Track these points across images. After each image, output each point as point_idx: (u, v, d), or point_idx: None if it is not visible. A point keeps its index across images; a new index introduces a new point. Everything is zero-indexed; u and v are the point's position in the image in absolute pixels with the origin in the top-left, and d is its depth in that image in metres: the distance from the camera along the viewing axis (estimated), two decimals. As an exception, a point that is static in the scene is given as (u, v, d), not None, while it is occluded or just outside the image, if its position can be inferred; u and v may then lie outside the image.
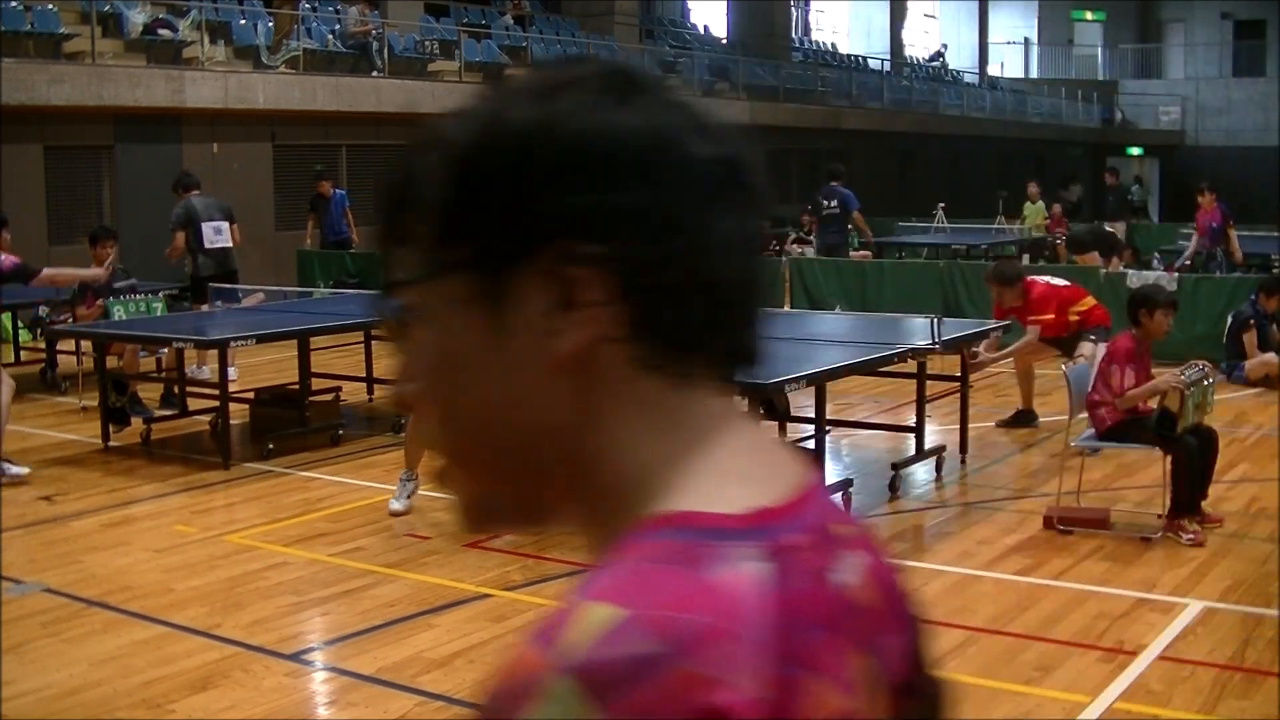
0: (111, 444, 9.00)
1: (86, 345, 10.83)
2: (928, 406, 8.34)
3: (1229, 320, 11.33)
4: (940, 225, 21.79)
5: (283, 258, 17.57)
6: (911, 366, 8.02)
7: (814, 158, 29.72)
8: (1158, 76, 45.33)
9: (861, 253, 17.13)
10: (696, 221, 0.82)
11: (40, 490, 7.90)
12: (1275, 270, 14.98)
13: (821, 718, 0.75)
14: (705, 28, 33.36)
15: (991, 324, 9.20)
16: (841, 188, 16.47)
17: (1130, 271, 13.01)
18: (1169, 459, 6.64)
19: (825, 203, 16.82)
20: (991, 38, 45.40)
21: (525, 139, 0.81)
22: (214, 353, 9.31)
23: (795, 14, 37.47)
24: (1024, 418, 9.59)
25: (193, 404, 9.78)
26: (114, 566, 6.36)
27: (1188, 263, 15.97)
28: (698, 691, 0.69)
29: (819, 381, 7.04)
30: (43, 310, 12.10)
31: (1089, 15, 46.59)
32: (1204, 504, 6.73)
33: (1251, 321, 11.07)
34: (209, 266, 11.43)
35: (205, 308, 11.36)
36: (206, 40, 17.60)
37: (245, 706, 4.68)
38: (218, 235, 11.60)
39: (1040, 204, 20.99)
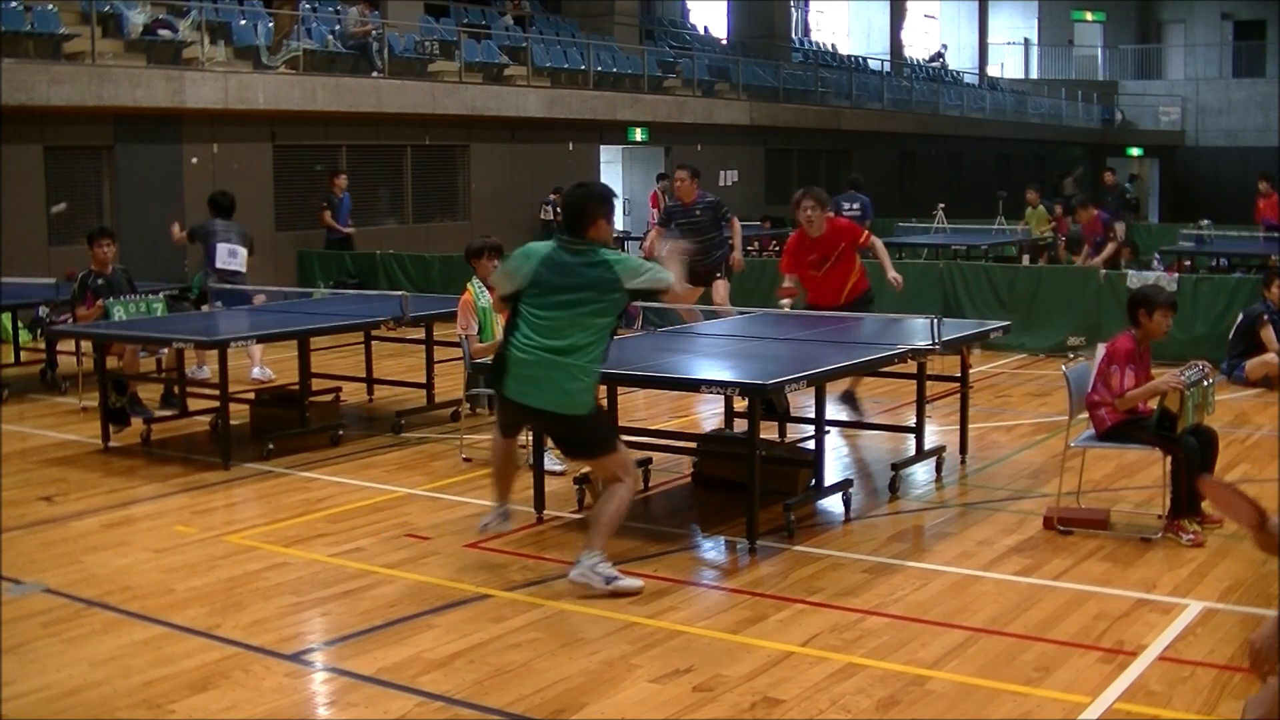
0: (111, 444, 9.00)
1: (86, 345, 10.84)
2: (928, 406, 8.34)
3: (1239, 318, 11.22)
4: (940, 225, 21.80)
5: (283, 258, 17.59)
6: (911, 367, 8.02)
7: (814, 158, 29.76)
8: (1158, 77, 45.37)
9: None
10: None
11: (40, 490, 7.91)
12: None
13: None
14: (705, 28, 33.38)
15: (991, 324, 9.20)
16: (864, 196, 17.39)
17: (1130, 271, 13.02)
18: (1169, 459, 6.64)
19: (847, 205, 17.56)
20: (991, 38, 45.43)
21: None
22: (213, 353, 9.32)
23: (795, 14, 37.50)
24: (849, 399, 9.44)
25: (193, 404, 9.78)
26: (114, 566, 6.36)
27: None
28: None
29: (819, 381, 7.04)
30: (43, 310, 12.10)
31: (1089, 16, 46.61)
32: (1204, 504, 6.73)
33: (1266, 317, 10.99)
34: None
35: (205, 308, 11.37)
36: (206, 40, 17.60)
37: (245, 706, 4.68)
38: (231, 258, 11.68)
39: (1041, 209, 21.00)
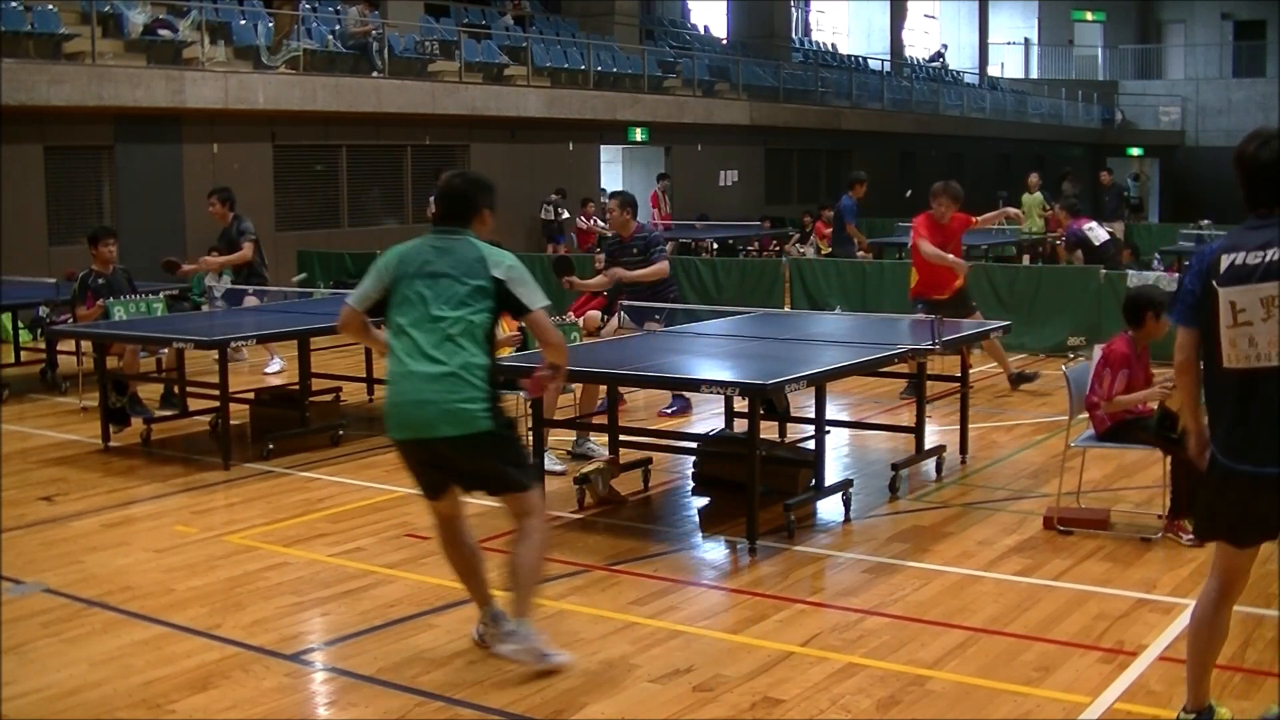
0: (111, 444, 9.00)
1: (86, 345, 10.83)
2: (928, 406, 8.34)
3: None
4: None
5: (283, 258, 17.58)
6: (912, 367, 8.02)
7: (814, 158, 29.77)
8: (1158, 77, 45.38)
9: (864, 253, 17.21)
10: None
11: (40, 490, 7.91)
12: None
13: None
14: (705, 28, 33.37)
15: (992, 324, 9.20)
16: (846, 198, 16.93)
17: (1131, 271, 13.00)
18: (1169, 459, 6.63)
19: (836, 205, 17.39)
20: (991, 38, 45.43)
21: None
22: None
23: (795, 14, 37.49)
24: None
25: (193, 404, 9.78)
26: (114, 566, 6.36)
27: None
28: None
29: (819, 381, 7.04)
30: (43, 310, 12.10)
31: (1089, 16, 46.62)
32: (1204, 505, 6.72)
33: None
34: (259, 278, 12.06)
35: (205, 308, 11.39)
36: (206, 40, 17.61)
37: (245, 706, 4.68)
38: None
39: (1039, 195, 20.95)
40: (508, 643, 4.91)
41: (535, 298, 4.90)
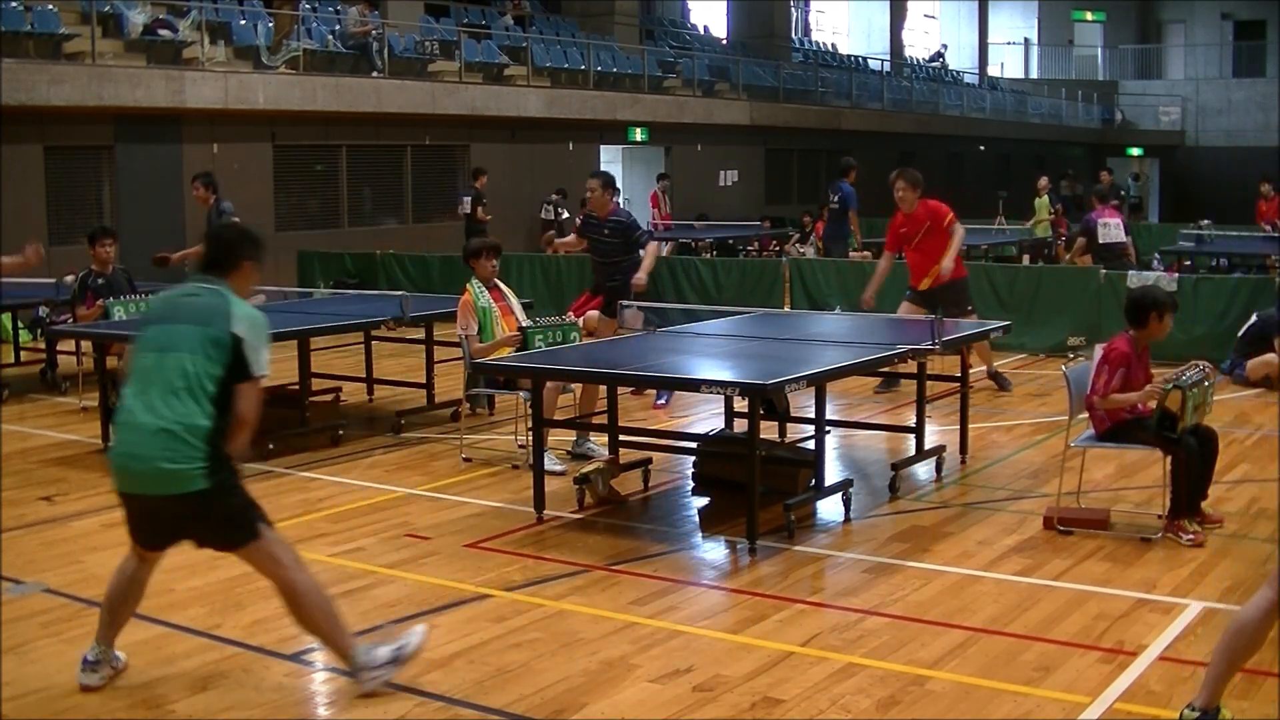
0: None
1: (86, 345, 10.83)
2: (928, 406, 8.34)
3: (1253, 320, 11.04)
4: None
5: (283, 258, 17.58)
6: (911, 367, 8.02)
7: (814, 158, 29.75)
8: (1158, 77, 45.39)
9: (861, 253, 17.18)
10: None
11: (40, 490, 7.90)
12: (1274, 271, 14.90)
13: None
14: (705, 28, 33.38)
15: (992, 324, 9.20)
16: (845, 184, 16.86)
17: (1131, 271, 13.00)
18: (1169, 459, 6.63)
19: (832, 196, 17.37)
20: (991, 38, 45.43)
21: None
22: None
23: (795, 14, 37.50)
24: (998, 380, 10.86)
25: (193, 404, 9.77)
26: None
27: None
28: None
29: (819, 381, 7.03)
30: (43, 310, 12.11)
31: (1089, 16, 46.63)
32: (1204, 504, 6.73)
33: None
34: None
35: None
36: (206, 40, 17.61)
37: (245, 706, 4.68)
38: None
39: (1046, 198, 21.03)
40: (362, 679, 4.76)
41: (260, 363, 4.69)
